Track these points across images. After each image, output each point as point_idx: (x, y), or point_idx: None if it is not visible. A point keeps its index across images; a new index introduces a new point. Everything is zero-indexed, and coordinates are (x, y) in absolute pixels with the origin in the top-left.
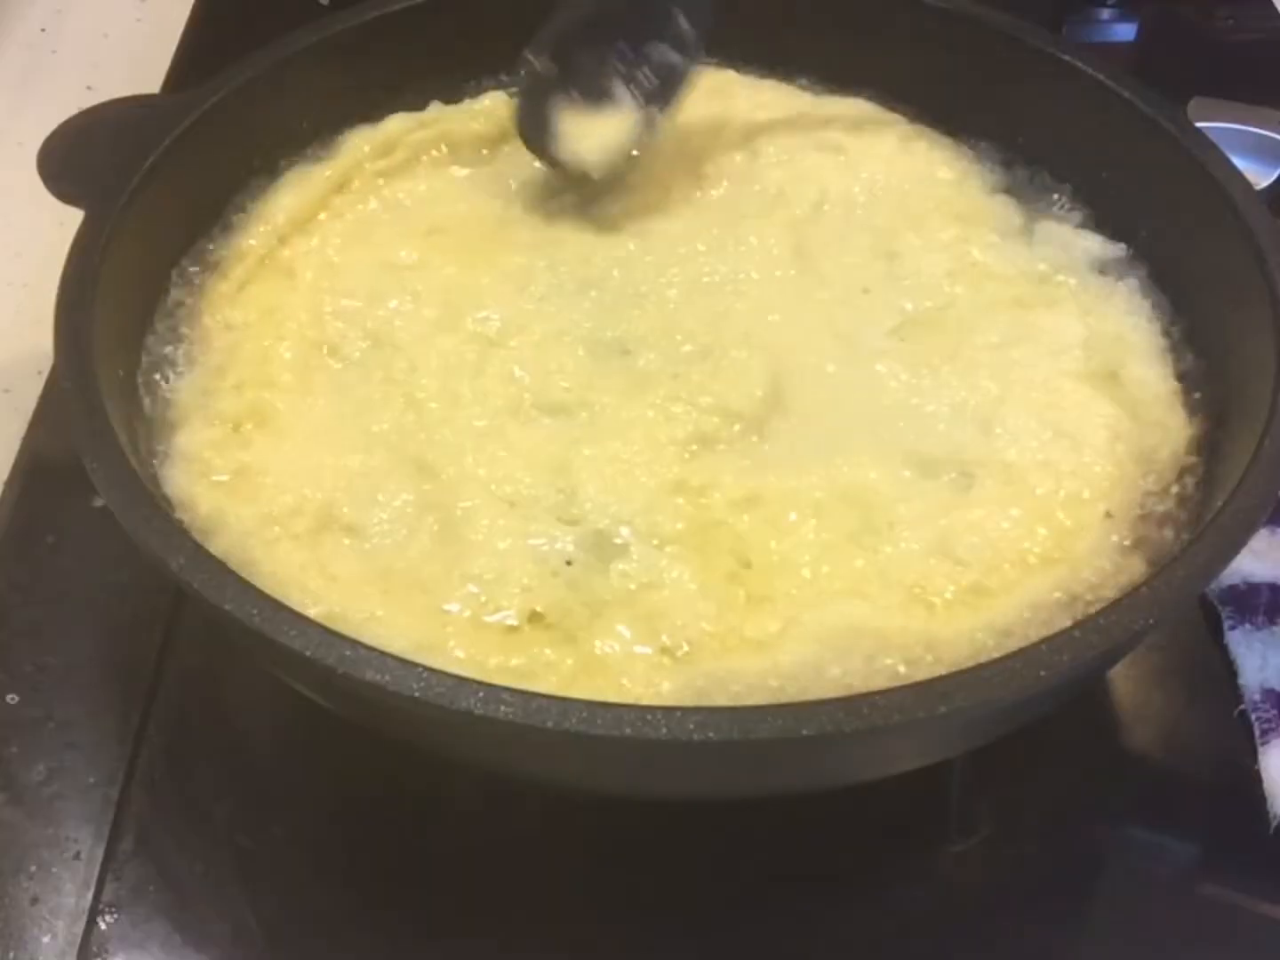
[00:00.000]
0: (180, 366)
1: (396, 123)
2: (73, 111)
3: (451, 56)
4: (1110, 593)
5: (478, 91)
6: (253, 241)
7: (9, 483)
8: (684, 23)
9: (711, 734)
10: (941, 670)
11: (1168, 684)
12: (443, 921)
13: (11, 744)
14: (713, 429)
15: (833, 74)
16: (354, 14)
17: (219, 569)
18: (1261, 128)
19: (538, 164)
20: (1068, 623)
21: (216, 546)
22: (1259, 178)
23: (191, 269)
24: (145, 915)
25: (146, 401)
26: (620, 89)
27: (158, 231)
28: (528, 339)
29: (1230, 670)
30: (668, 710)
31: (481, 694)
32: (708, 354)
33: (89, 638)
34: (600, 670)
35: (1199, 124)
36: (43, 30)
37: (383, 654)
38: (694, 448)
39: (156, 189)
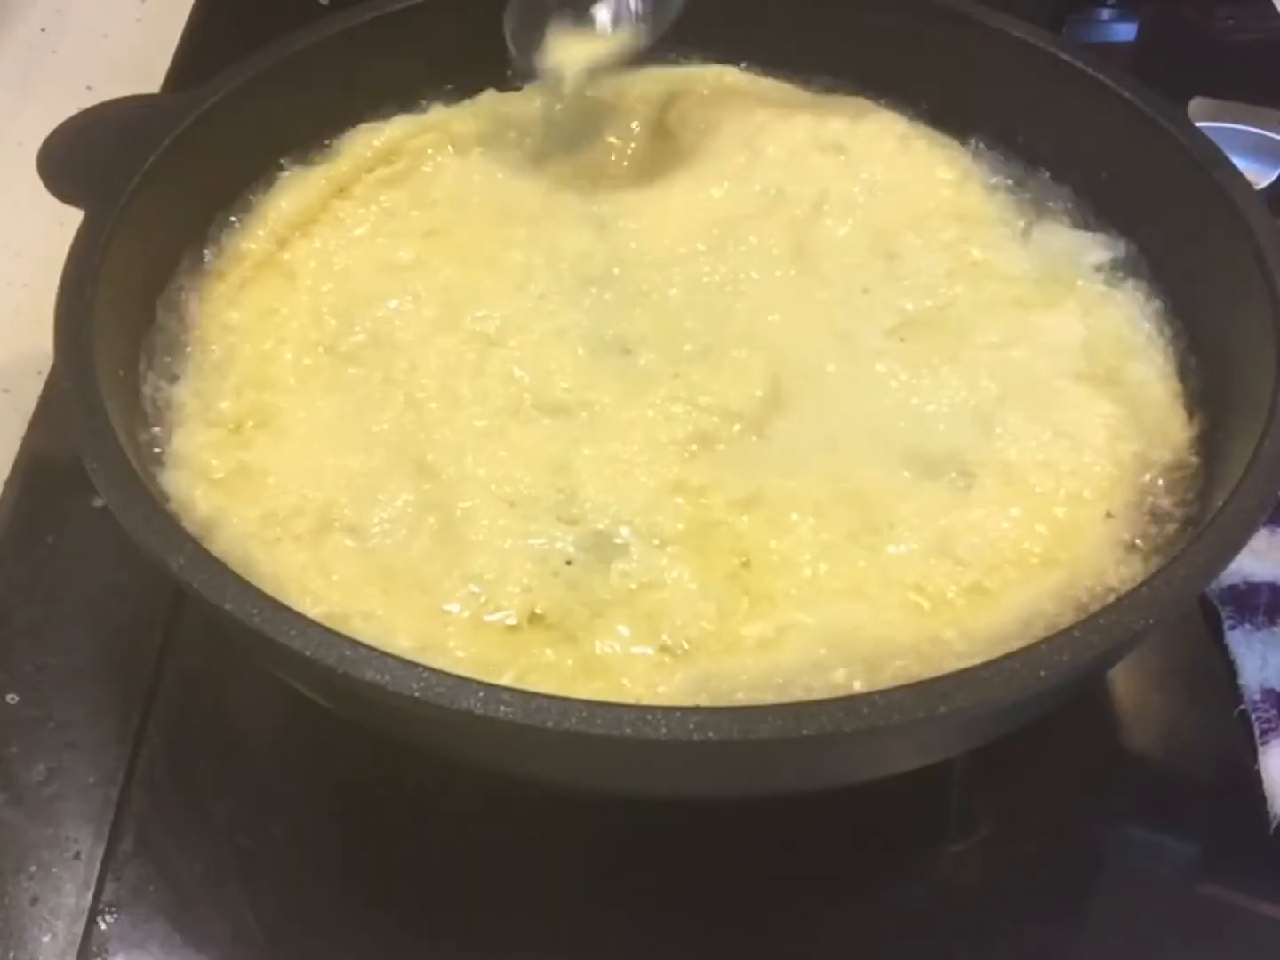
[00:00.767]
0: (180, 367)
1: (396, 123)
2: (73, 111)
3: (451, 56)
4: (1110, 593)
5: (478, 91)
6: (252, 243)
7: (9, 483)
8: None
9: (711, 734)
10: (942, 670)
11: (1168, 684)
12: (443, 921)
13: (11, 744)
14: (713, 429)
15: (833, 73)
16: (354, 14)
17: (219, 569)
18: (1261, 128)
19: (535, 165)
20: (1068, 623)
21: (217, 547)
22: (1259, 178)
23: (191, 269)
24: (145, 915)
25: (147, 401)
26: (613, 11)
27: (158, 232)
28: (527, 338)
29: (1230, 670)
30: (668, 710)
31: (481, 694)
32: (708, 354)
33: (89, 638)
34: (601, 670)
35: (1199, 124)
36: (43, 30)
37: (383, 654)
38: (694, 448)
39: (156, 189)
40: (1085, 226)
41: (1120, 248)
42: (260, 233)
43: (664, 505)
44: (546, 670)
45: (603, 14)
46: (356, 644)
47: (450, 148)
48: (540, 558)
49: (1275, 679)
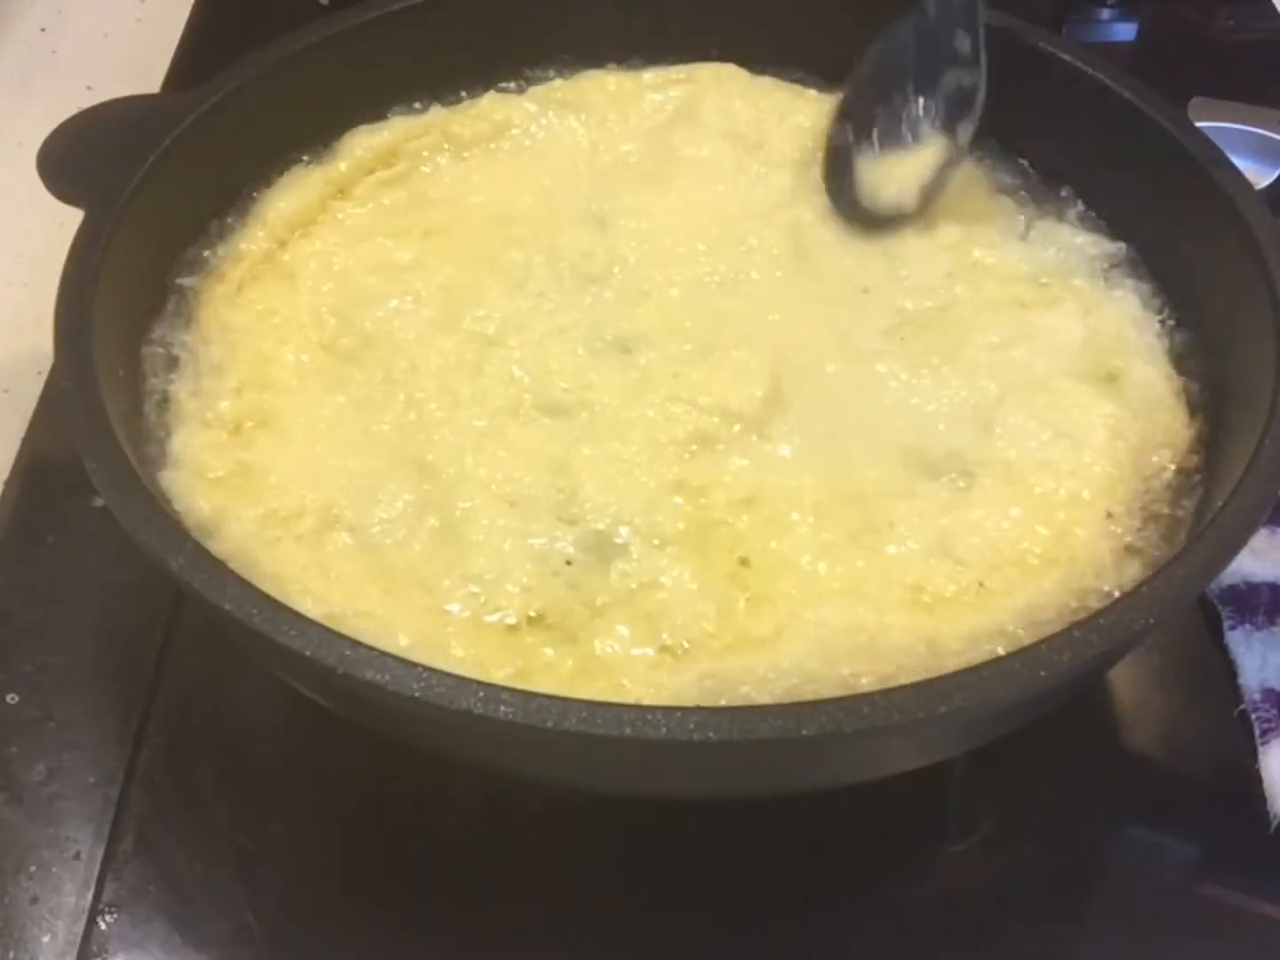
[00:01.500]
0: (180, 367)
1: (396, 124)
2: (73, 111)
3: (452, 57)
4: (1110, 593)
5: (477, 92)
6: (252, 244)
7: (9, 483)
8: (964, 41)
9: (711, 734)
10: (941, 670)
11: (1168, 684)
12: (443, 921)
13: (11, 744)
14: (713, 429)
15: (834, 72)
16: (354, 14)
17: (219, 569)
18: (1261, 128)
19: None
20: (1068, 622)
21: (217, 547)
22: (1259, 178)
23: (191, 269)
24: (145, 915)
25: (147, 402)
26: (914, 128)
27: (157, 232)
28: (527, 337)
29: (1230, 670)
30: (668, 710)
31: (481, 694)
32: (708, 354)
33: (89, 638)
34: (601, 670)
35: (1199, 124)
36: (43, 30)
37: (383, 654)
38: (694, 448)
39: (156, 189)
40: (1085, 226)
41: (1120, 248)
42: (260, 233)
43: (664, 505)
44: (546, 670)
45: (904, 136)
46: (356, 644)
47: (450, 149)
48: (540, 558)
49: (1275, 679)
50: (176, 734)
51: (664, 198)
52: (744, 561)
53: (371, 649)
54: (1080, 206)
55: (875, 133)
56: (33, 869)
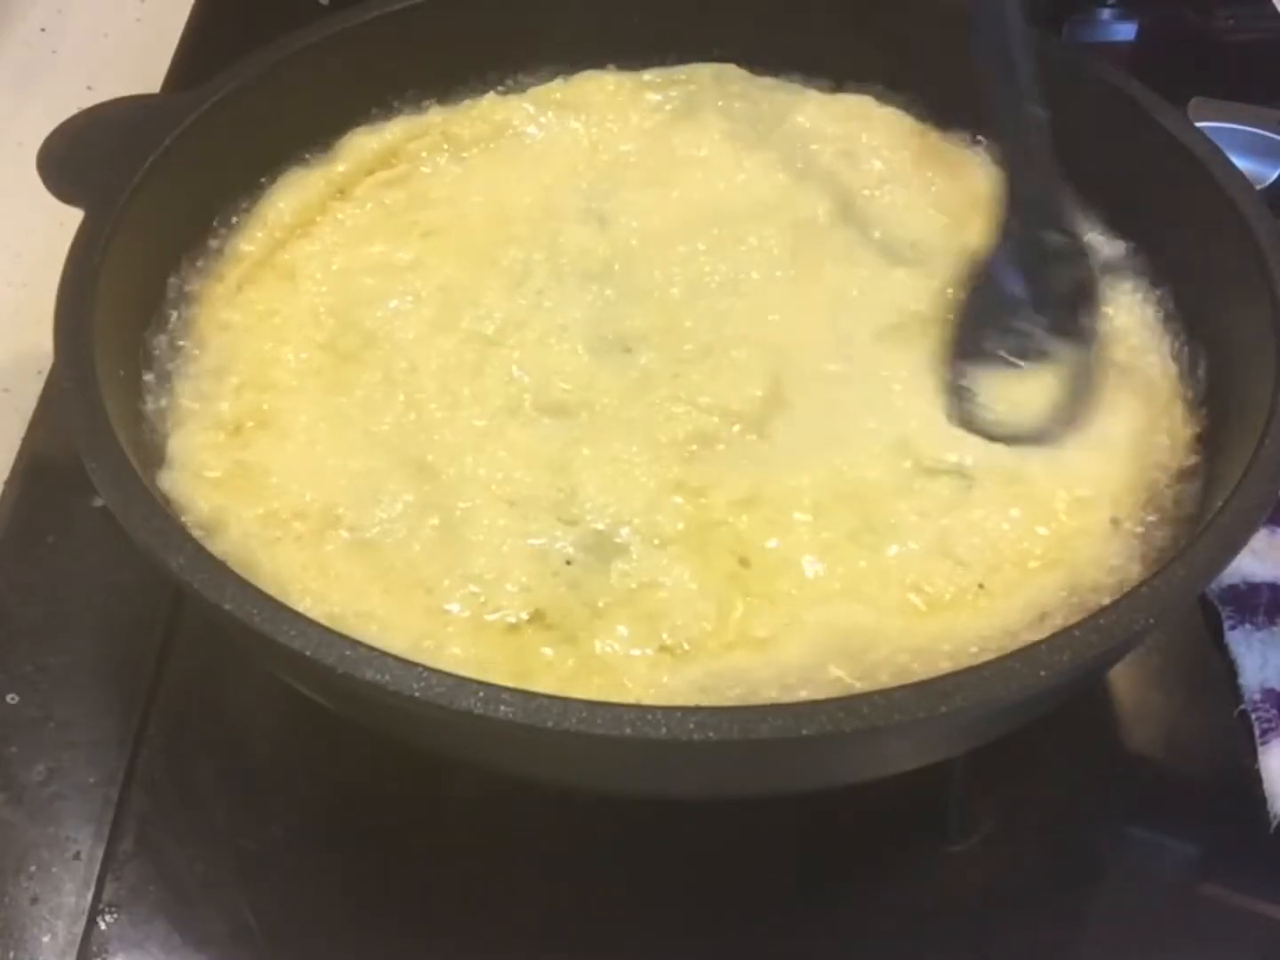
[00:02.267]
0: (180, 367)
1: (396, 125)
2: (73, 111)
3: (451, 57)
4: (1110, 592)
5: (478, 93)
6: (252, 244)
7: (9, 483)
8: (1057, 237)
9: (711, 734)
10: (942, 670)
11: (1168, 684)
12: (442, 921)
13: (11, 744)
14: (713, 429)
15: (834, 72)
16: (354, 14)
17: (219, 569)
18: (1261, 128)
19: (539, 162)
20: (1068, 622)
21: (217, 547)
22: (1259, 178)
23: (192, 269)
24: (145, 915)
25: (147, 402)
26: (1039, 346)
27: (157, 232)
28: (527, 336)
29: (1230, 670)
30: (668, 710)
31: (481, 694)
32: (708, 353)
33: (89, 638)
34: (601, 670)
35: (1199, 124)
36: (43, 30)
37: (383, 654)
38: (694, 447)
39: (156, 189)
40: (1086, 226)
41: (1120, 248)
42: (259, 233)
43: (664, 505)
44: (547, 670)
45: (1024, 357)
46: (356, 644)
47: (450, 149)
48: (540, 557)
49: (1275, 679)
50: (176, 734)
51: (664, 197)
52: (744, 562)
53: (371, 649)
54: (1081, 206)
55: (985, 359)
56: (33, 869)
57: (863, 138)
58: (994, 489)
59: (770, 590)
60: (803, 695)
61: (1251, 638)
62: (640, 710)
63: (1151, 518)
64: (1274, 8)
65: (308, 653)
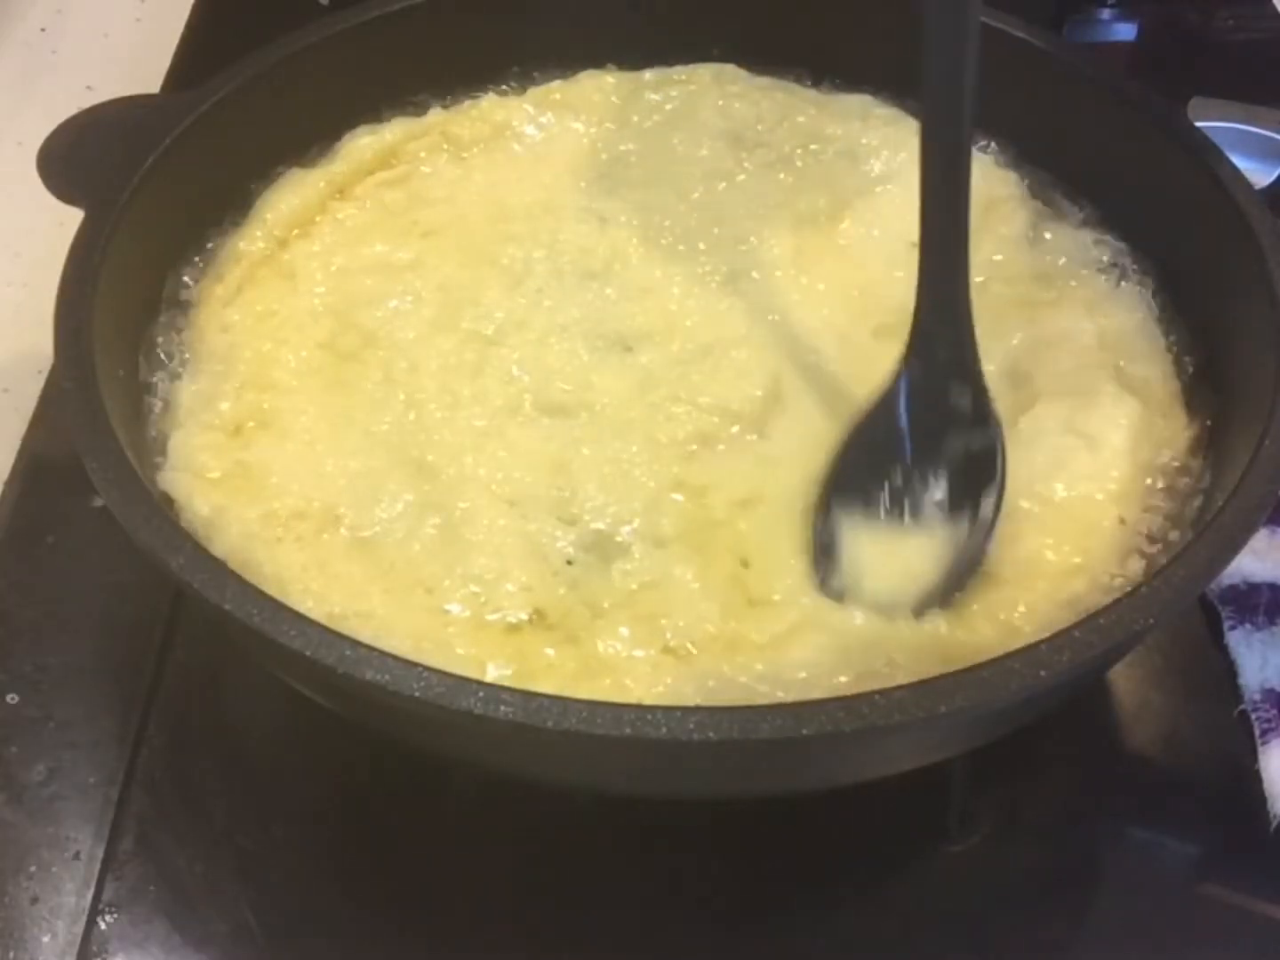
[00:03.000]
0: (180, 367)
1: (396, 125)
2: (73, 111)
3: (451, 57)
4: (1111, 593)
5: (477, 93)
6: (251, 244)
7: (9, 483)
8: (963, 395)
9: (711, 734)
10: (943, 671)
11: (1168, 684)
12: (442, 921)
13: (11, 744)
14: (713, 429)
15: (835, 72)
16: (354, 14)
17: (219, 569)
18: (1261, 128)
19: (539, 162)
20: (1070, 622)
21: (218, 547)
22: (1259, 178)
23: (191, 269)
24: (145, 915)
25: (147, 402)
26: (916, 510)
27: (157, 232)
28: (527, 336)
29: (1230, 670)
30: (668, 710)
31: (481, 694)
32: (708, 353)
33: (89, 638)
34: (603, 670)
35: (1199, 124)
36: (43, 30)
37: (383, 654)
38: (694, 447)
39: (156, 189)
40: (1087, 226)
41: (1121, 248)
42: (259, 234)
43: (664, 505)
44: (548, 670)
45: (903, 515)
46: (356, 644)
47: (449, 149)
48: (541, 557)
49: (1275, 679)
50: (176, 734)
51: (664, 197)
52: (744, 562)
53: (371, 649)
54: (1082, 206)
55: (870, 512)
56: (33, 869)
57: (863, 138)
58: None
59: (771, 590)
60: (805, 696)
61: (1251, 638)
62: (640, 710)
63: (1151, 517)
64: (1274, 8)
65: (308, 653)
